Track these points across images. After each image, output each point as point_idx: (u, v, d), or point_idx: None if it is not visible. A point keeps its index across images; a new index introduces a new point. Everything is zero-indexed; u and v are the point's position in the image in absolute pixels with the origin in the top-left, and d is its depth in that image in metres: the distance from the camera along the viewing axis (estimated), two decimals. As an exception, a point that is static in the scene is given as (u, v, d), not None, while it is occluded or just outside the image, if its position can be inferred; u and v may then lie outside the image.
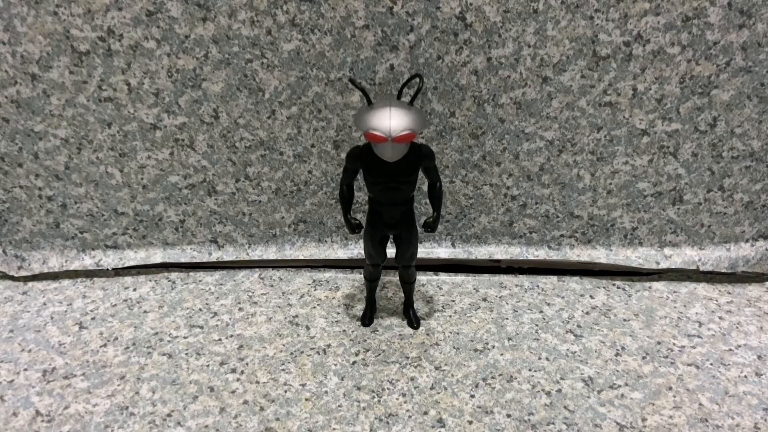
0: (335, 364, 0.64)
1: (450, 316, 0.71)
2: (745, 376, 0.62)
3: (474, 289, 0.77)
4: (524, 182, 0.75)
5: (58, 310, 0.73)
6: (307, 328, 0.70)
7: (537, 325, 0.70)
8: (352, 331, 0.69)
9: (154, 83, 0.68)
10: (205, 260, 0.80)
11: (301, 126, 0.72)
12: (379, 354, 0.65)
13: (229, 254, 0.81)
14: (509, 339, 0.67)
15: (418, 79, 0.63)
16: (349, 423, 0.57)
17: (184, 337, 0.68)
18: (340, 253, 0.81)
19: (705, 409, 0.58)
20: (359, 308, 0.73)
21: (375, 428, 0.56)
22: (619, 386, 0.61)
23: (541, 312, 0.72)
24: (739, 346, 0.66)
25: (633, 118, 0.70)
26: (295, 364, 0.64)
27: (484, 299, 0.74)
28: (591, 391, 0.60)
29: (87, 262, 0.80)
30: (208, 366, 0.64)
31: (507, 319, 0.71)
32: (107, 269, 0.80)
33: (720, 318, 0.71)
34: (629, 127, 0.71)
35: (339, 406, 0.59)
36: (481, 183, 0.76)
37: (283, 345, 0.67)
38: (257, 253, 0.81)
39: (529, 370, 0.63)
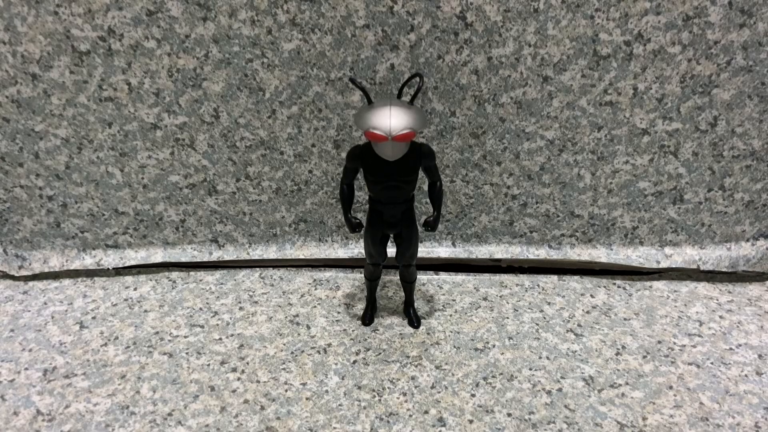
0: (336, 364, 0.64)
1: (450, 316, 0.71)
2: (746, 375, 0.62)
3: (474, 288, 0.77)
4: (525, 181, 0.75)
5: (58, 310, 0.73)
6: (308, 327, 0.70)
7: (537, 324, 0.70)
8: (353, 331, 0.69)
9: (155, 83, 0.68)
10: (205, 260, 0.80)
11: (302, 125, 0.72)
12: (380, 353, 0.65)
13: (229, 254, 0.81)
14: (510, 338, 0.67)
15: (418, 79, 0.63)
16: (349, 422, 0.57)
17: (185, 337, 0.68)
18: (341, 252, 0.81)
19: (705, 408, 0.58)
20: (360, 307, 0.73)
21: (376, 427, 0.56)
22: (620, 385, 0.61)
23: (542, 311, 0.72)
24: (740, 345, 0.66)
25: (633, 117, 0.70)
26: (295, 363, 0.64)
27: (485, 298, 0.74)
28: (592, 390, 0.60)
29: (88, 261, 0.80)
30: (208, 365, 0.64)
31: (507, 318, 0.71)
32: (108, 269, 0.80)
33: (720, 317, 0.71)
34: (630, 127, 0.71)
35: (340, 405, 0.59)
36: (482, 182, 0.76)
37: (284, 344, 0.67)
38: (258, 252, 0.81)
39: (530, 369, 0.63)
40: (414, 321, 0.69)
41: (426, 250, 0.80)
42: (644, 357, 0.65)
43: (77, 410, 0.58)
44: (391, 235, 0.64)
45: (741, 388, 0.60)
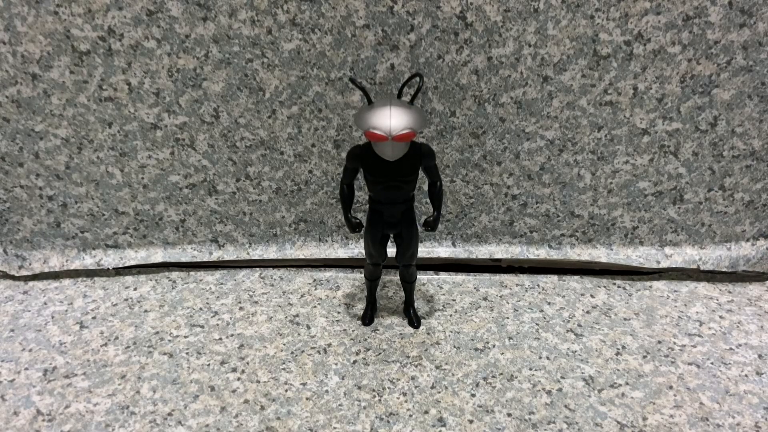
0: (336, 364, 0.64)
1: (450, 316, 0.71)
2: (746, 375, 0.62)
3: (474, 288, 0.77)
4: (525, 181, 0.75)
5: (58, 310, 0.73)
6: (308, 327, 0.70)
7: (537, 324, 0.70)
8: (353, 331, 0.69)
9: (155, 83, 0.68)
10: (205, 260, 0.80)
11: (302, 125, 0.72)
12: (380, 353, 0.65)
13: (229, 254, 0.81)
14: (510, 338, 0.67)
15: (418, 79, 0.63)
16: (349, 422, 0.57)
17: (185, 337, 0.68)
18: (341, 252, 0.81)
19: (706, 408, 0.58)
20: (360, 307, 0.73)
21: (376, 427, 0.56)
22: (620, 385, 0.61)
23: (542, 311, 0.72)
24: (740, 345, 0.66)
25: (634, 117, 0.70)
26: (295, 363, 0.64)
27: (485, 298, 0.74)
28: (592, 390, 0.60)
29: (88, 261, 0.80)
30: (208, 365, 0.64)
31: (507, 318, 0.71)
32: (108, 269, 0.80)
33: (720, 317, 0.71)
34: (630, 127, 0.71)
35: (340, 405, 0.59)
36: (482, 182, 0.76)
37: (284, 344, 0.67)
38: (258, 252, 0.81)
39: (530, 369, 0.63)
40: (414, 321, 0.69)
41: (426, 250, 0.80)
42: (644, 357, 0.65)
43: (77, 410, 0.58)
44: (391, 235, 0.64)
45: (741, 388, 0.60)
